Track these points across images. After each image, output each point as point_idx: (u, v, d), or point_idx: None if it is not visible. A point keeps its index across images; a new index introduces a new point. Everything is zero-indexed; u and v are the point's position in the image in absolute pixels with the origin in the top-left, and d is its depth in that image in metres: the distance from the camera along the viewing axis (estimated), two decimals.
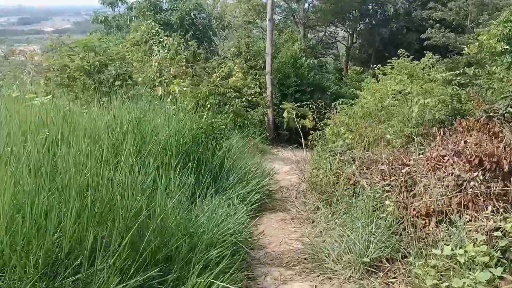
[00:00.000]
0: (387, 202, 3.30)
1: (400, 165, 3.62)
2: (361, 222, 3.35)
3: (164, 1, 19.05)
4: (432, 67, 7.12)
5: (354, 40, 28.03)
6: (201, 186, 4.15)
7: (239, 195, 4.44)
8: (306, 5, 24.86)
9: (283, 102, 12.48)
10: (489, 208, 3.03)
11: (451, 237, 2.92)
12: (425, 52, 11.12)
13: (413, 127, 5.87)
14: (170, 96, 5.24)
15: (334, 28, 28.64)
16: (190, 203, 3.69)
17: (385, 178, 3.59)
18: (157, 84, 6.04)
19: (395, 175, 3.51)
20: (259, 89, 15.12)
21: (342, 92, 19.36)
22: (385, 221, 3.27)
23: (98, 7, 21.23)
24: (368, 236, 3.20)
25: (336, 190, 4.22)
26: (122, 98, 4.80)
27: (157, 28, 10.61)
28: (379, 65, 7.48)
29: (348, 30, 27.98)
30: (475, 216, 2.99)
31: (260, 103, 13.03)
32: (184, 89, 5.00)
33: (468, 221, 2.96)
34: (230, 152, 5.38)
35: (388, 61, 7.45)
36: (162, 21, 16.60)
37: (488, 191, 3.08)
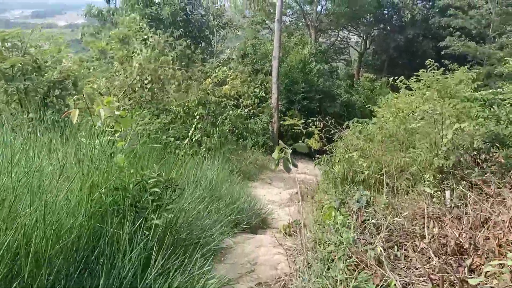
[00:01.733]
0: None
1: (453, 245, 2.37)
2: None
3: None
4: (472, 82, 5.89)
5: (367, 46, 26.94)
6: None
7: None
8: (319, 7, 23.71)
9: (285, 115, 11.25)
10: None
11: None
12: (442, 61, 9.95)
13: (445, 157, 4.72)
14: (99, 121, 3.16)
15: (347, 32, 27.55)
16: None
17: (433, 278, 2.34)
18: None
19: (449, 270, 2.23)
20: (264, 94, 14.00)
21: (353, 101, 18.23)
22: None
23: None
24: None
25: None
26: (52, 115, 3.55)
27: (141, 24, 9.40)
28: (401, 77, 6.28)
29: (362, 35, 26.92)
30: None
31: (263, 111, 11.86)
32: (117, 112, 3.28)
33: None
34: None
35: (415, 73, 6.24)
36: (152, 16, 15.32)
37: None
